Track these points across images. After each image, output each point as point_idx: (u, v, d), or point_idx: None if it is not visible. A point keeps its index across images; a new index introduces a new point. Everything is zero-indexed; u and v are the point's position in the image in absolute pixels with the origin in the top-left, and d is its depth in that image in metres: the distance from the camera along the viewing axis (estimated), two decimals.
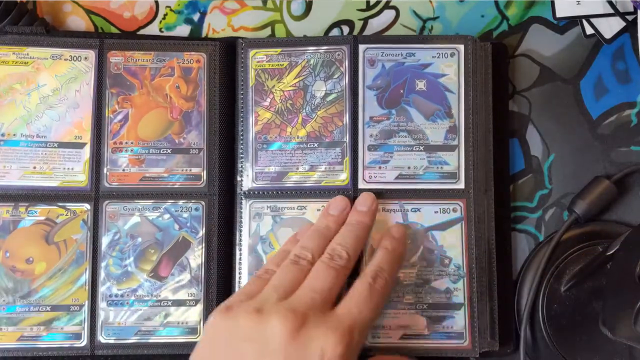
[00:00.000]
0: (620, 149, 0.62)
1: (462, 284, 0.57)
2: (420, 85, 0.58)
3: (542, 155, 0.62)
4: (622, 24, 0.60)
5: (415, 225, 0.57)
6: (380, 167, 0.58)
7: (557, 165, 0.62)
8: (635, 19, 0.59)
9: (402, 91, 0.58)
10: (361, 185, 0.57)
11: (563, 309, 0.58)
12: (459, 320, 0.56)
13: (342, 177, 0.58)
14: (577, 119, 0.62)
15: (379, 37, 0.60)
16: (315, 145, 0.58)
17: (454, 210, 0.57)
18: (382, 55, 0.58)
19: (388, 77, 0.58)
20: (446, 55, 0.58)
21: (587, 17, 0.61)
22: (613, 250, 0.53)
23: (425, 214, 0.57)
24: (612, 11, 0.59)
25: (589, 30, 0.61)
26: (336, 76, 0.58)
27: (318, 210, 0.57)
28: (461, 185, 0.57)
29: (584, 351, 0.58)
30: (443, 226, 0.57)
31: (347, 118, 0.58)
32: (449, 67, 0.58)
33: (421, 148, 0.58)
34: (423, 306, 0.57)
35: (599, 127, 0.62)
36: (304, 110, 0.58)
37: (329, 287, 0.50)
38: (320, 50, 0.59)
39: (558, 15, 0.61)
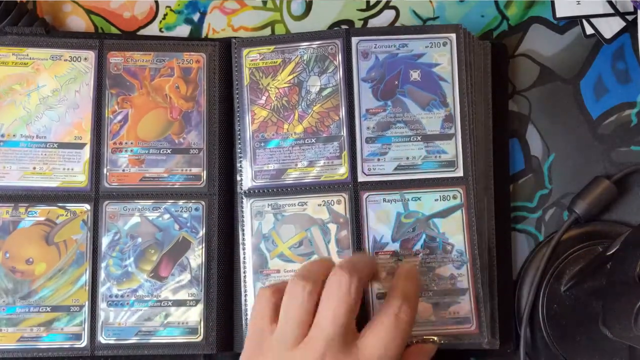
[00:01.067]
0: (620, 149, 0.62)
1: (466, 270, 0.56)
2: (415, 75, 0.58)
3: (542, 155, 0.62)
4: (622, 24, 0.60)
5: (417, 214, 0.57)
6: (379, 159, 0.58)
7: (557, 165, 0.62)
8: (635, 19, 0.59)
9: (396, 82, 0.58)
10: (361, 178, 0.57)
11: (563, 309, 0.58)
12: (465, 305, 0.56)
13: (341, 171, 0.58)
14: (577, 119, 0.62)
15: (371, 29, 0.60)
16: (313, 140, 0.58)
17: (454, 197, 0.57)
18: (375, 47, 0.58)
19: (382, 69, 0.58)
20: (439, 44, 0.58)
21: (587, 17, 0.61)
22: (613, 250, 0.53)
23: (426, 203, 0.57)
24: (612, 11, 0.59)
25: (589, 30, 0.61)
26: (330, 70, 0.58)
27: (319, 205, 0.57)
28: (460, 172, 0.57)
29: (584, 351, 0.58)
30: (444, 213, 0.57)
31: (343, 112, 0.58)
32: (442, 56, 0.58)
33: (419, 138, 0.58)
34: (428, 293, 0.56)
35: (599, 127, 0.62)
36: (300, 107, 0.58)
37: (346, 316, 0.47)
38: (313, 46, 0.59)
39: (558, 15, 0.61)
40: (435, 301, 0.56)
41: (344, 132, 0.58)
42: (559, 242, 0.59)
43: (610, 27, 0.60)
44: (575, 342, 0.58)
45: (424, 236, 0.57)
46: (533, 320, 0.59)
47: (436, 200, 0.57)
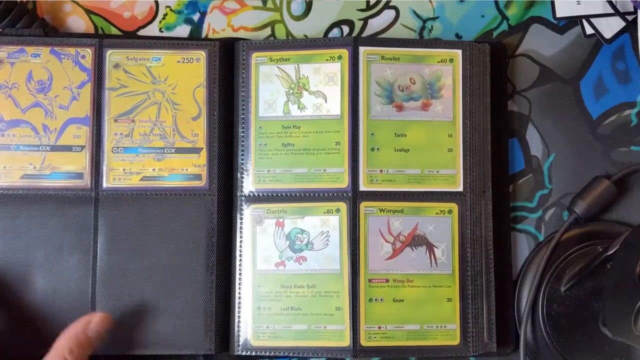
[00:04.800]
0: (620, 149, 0.62)
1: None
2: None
3: (542, 155, 0.62)
4: (622, 24, 0.60)
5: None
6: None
7: (557, 165, 0.62)
8: (635, 19, 0.59)
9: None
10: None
11: (563, 309, 0.58)
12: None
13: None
14: (577, 119, 0.62)
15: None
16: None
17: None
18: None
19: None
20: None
21: (587, 17, 0.61)
22: (613, 250, 0.53)
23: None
24: (612, 11, 0.59)
25: (589, 30, 0.61)
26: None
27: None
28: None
29: (584, 351, 0.58)
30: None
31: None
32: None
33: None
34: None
35: (599, 127, 0.62)
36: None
37: None
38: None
39: (558, 15, 0.61)
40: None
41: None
42: (559, 242, 0.59)
43: (610, 27, 0.60)
44: (575, 342, 0.58)
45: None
46: (533, 320, 0.59)
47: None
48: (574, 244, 0.59)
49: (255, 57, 0.59)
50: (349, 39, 0.59)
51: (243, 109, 0.59)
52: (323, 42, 0.59)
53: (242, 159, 0.58)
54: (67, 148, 0.58)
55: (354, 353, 0.56)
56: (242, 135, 0.58)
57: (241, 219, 0.58)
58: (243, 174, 0.58)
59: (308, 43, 0.59)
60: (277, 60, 0.59)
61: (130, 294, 0.57)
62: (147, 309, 0.57)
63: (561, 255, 0.59)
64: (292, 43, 0.59)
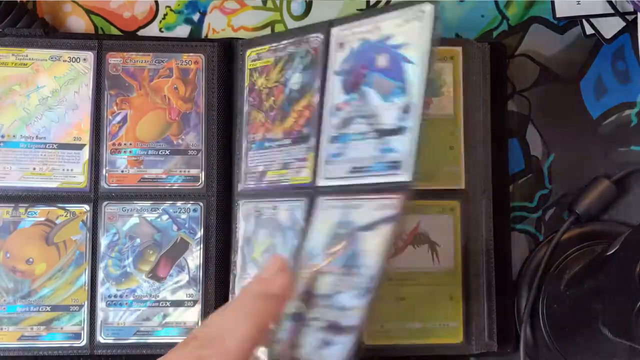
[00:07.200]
0: (620, 149, 0.61)
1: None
2: (382, 61, 0.48)
3: (542, 155, 0.62)
4: (622, 24, 0.60)
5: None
6: (339, 161, 0.50)
7: (557, 165, 0.62)
8: (635, 19, 0.59)
9: (363, 71, 0.49)
10: (320, 182, 0.50)
11: (563, 309, 0.58)
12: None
13: (304, 174, 0.53)
14: (577, 119, 0.62)
15: (350, 17, 0.52)
16: (288, 141, 0.54)
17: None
18: (351, 36, 0.50)
19: (354, 59, 0.50)
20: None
21: (587, 17, 0.60)
22: (613, 250, 0.53)
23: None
24: (612, 11, 0.59)
25: (589, 30, 0.61)
26: (311, 66, 0.54)
27: (286, 210, 0.53)
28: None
29: (584, 351, 0.58)
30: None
31: (316, 110, 0.53)
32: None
33: (374, 135, 0.47)
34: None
35: (599, 127, 0.62)
36: (283, 106, 0.56)
37: None
38: (300, 41, 0.55)
39: (558, 15, 0.61)
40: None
41: (314, 132, 0.52)
42: (559, 242, 0.59)
43: (610, 27, 0.60)
44: (575, 342, 0.58)
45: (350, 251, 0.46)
46: (533, 320, 0.59)
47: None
48: (574, 244, 0.59)
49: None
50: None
51: (240, 108, 0.59)
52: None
53: (238, 158, 0.58)
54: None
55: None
56: (238, 134, 0.58)
57: (237, 216, 0.58)
58: (239, 172, 0.58)
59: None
60: None
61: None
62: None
63: (561, 255, 0.59)
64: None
